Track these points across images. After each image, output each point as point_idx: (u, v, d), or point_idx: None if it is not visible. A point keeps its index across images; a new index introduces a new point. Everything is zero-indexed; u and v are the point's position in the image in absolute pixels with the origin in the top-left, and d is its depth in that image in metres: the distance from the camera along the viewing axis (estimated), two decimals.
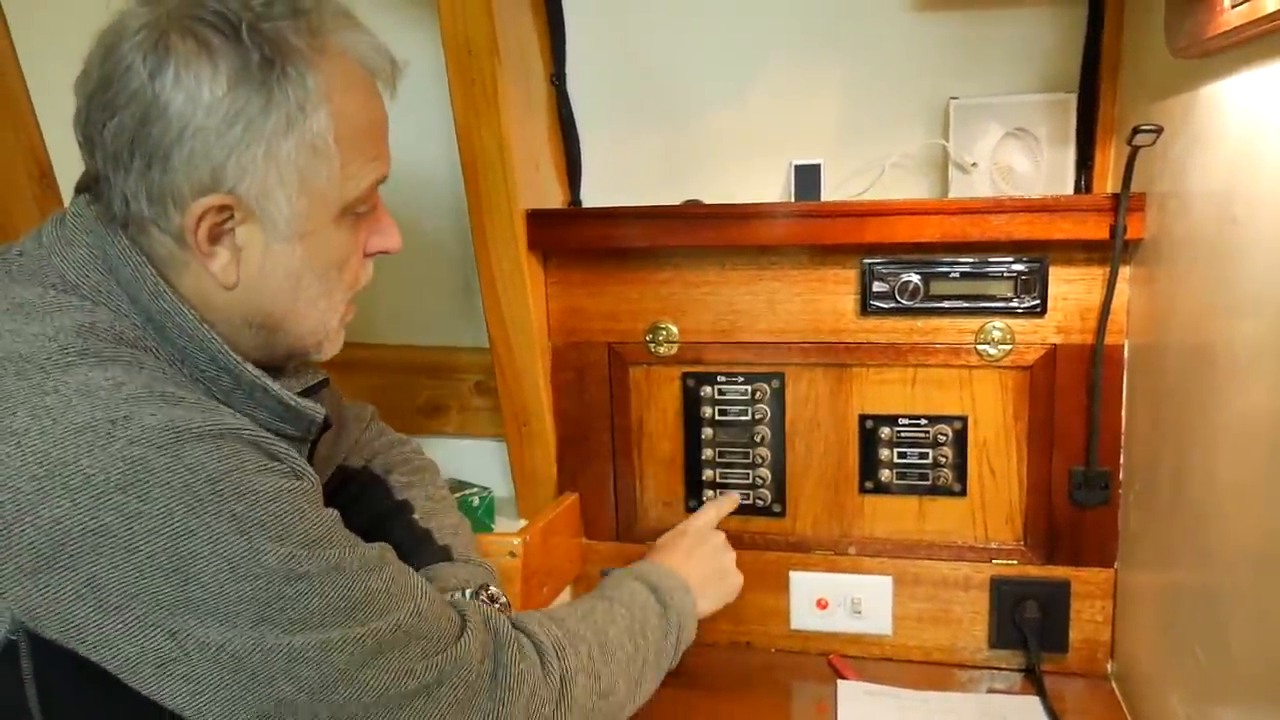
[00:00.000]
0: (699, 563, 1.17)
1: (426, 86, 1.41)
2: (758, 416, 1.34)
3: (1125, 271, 1.19)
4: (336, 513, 0.80)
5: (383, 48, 0.85)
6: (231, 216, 0.78)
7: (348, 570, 0.76)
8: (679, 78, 1.39)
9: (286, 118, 0.77)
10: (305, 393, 0.89)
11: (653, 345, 1.35)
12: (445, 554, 1.07)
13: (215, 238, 0.78)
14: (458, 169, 1.42)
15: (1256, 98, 0.84)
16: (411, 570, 0.84)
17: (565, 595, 1.38)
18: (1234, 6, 0.81)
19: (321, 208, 0.81)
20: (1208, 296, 0.95)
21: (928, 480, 1.30)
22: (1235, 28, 0.82)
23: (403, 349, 1.60)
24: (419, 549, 1.07)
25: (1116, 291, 1.18)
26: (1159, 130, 1.03)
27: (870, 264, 1.26)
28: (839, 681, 1.28)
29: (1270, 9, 0.75)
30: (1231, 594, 0.88)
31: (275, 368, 0.89)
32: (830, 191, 1.35)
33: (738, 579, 1.21)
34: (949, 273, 1.24)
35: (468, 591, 1.01)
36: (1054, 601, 1.27)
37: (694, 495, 1.37)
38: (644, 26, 1.38)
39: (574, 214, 1.36)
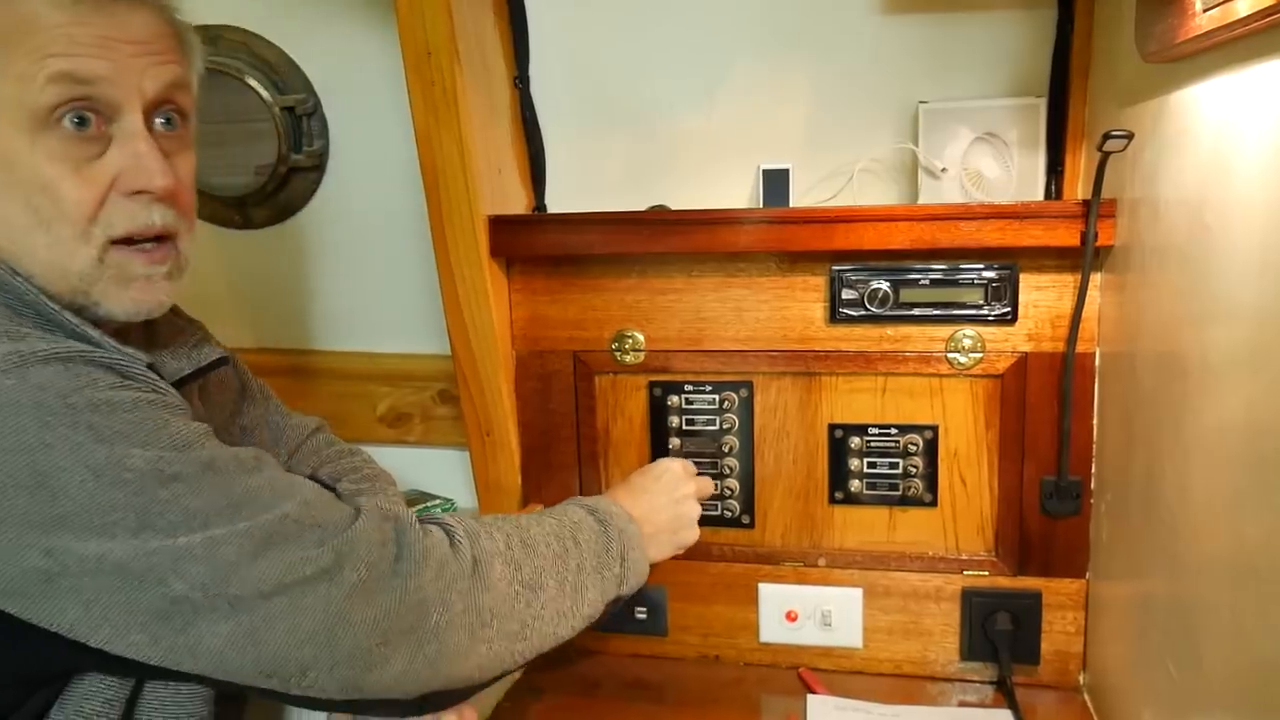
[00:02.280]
0: (651, 499, 1.11)
1: (384, 89, 1.39)
2: (726, 426, 1.31)
3: (1096, 279, 1.17)
4: (209, 426, 0.79)
5: None
6: None
7: (223, 469, 0.75)
8: (645, 80, 1.37)
9: None
10: (195, 374, 0.92)
11: (619, 354, 1.32)
12: None
13: None
14: (413, 176, 1.40)
15: (1228, 103, 0.82)
16: (293, 474, 0.83)
17: None
18: (1205, 10, 0.80)
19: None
20: (1179, 304, 0.94)
21: (898, 490, 1.28)
22: (1206, 32, 0.80)
23: (361, 356, 1.56)
24: None
25: (1088, 299, 1.17)
26: (1129, 136, 1.02)
27: (839, 271, 1.24)
28: (809, 696, 1.26)
29: (1243, 13, 0.73)
30: (1203, 606, 0.86)
31: (159, 346, 0.91)
32: (799, 196, 1.33)
33: (692, 533, 1.13)
34: (919, 280, 1.22)
35: None
36: (1026, 613, 1.25)
37: None
38: (609, 27, 1.36)
39: (537, 220, 1.33)
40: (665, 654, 1.37)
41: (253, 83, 1.37)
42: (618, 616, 1.21)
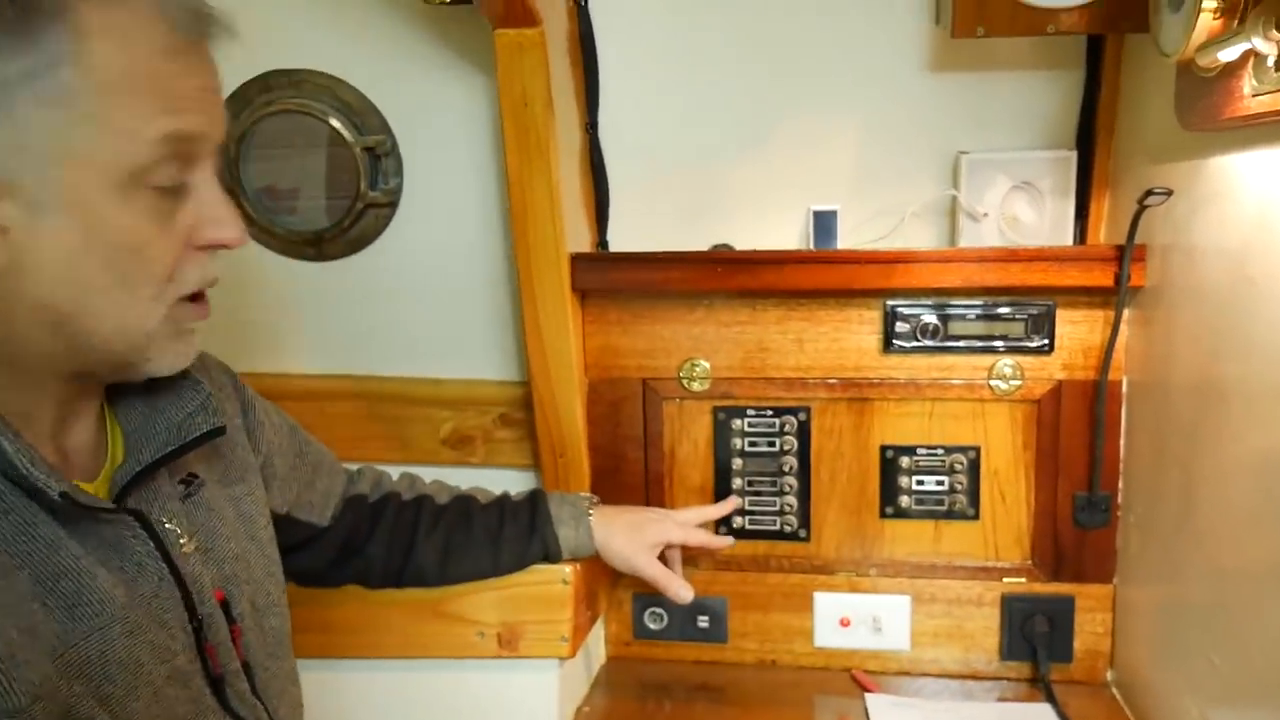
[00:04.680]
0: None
1: (457, 131, 1.48)
2: (785, 447, 1.43)
3: (1125, 314, 1.31)
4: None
5: None
6: None
7: None
8: (702, 127, 1.47)
9: (27, 69, 0.68)
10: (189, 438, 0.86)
11: (686, 380, 1.43)
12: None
13: None
14: (485, 210, 1.50)
15: (1269, 174, 0.96)
16: None
17: (599, 623, 1.45)
18: (1255, 96, 0.93)
19: (90, 174, 0.71)
20: (1217, 341, 1.07)
21: (944, 505, 1.41)
22: (1255, 113, 0.93)
23: (425, 381, 1.64)
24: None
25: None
26: (1169, 193, 1.15)
27: (893, 306, 1.36)
28: (867, 695, 1.37)
29: None
30: (1247, 605, 0.99)
31: (154, 411, 0.86)
32: (845, 235, 1.45)
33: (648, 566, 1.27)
34: (965, 314, 1.35)
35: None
36: (1060, 616, 1.38)
37: (723, 522, 1.45)
38: (671, 78, 1.46)
39: (617, 257, 1.43)
40: (725, 660, 1.48)
41: (335, 124, 1.45)
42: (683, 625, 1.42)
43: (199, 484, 0.93)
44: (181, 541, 0.87)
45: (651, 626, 1.48)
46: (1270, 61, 0.84)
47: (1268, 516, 0.96)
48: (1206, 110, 1.03)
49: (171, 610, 0.84)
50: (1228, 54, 0.90)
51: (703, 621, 1.47)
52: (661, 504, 1.46)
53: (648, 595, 1.46)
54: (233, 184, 1.49)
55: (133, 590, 0.81)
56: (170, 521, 0.87)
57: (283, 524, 1.10)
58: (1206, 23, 0.94)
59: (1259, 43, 0.82)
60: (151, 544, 0.83)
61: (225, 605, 0.91)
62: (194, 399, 0.90)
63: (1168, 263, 1.21)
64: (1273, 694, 0.94)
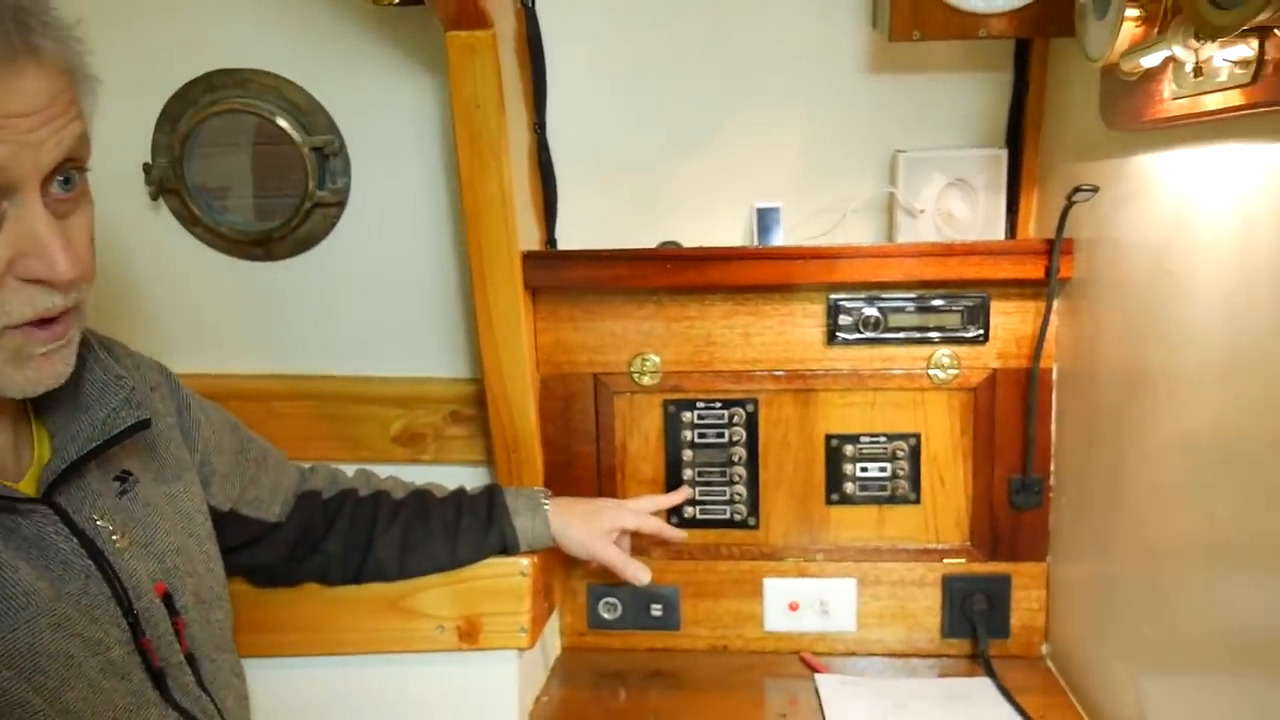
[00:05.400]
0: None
1: (406, 130, 1.50)
2: (734, 438, 1.47)
3: (1054, 305, 1.38)
4: None
5: None
6: None
7: None
8: (649, 127, 1.51)
9: None
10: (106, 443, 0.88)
11: (636, 375, 1.46)
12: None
13: None
14: (434, 208, 1.52)
15: (1188, 173, 1.02)
16: None
17: (555, 615, 1.48)
18: (1174, 99, 0.99)
19: None
20: (1140, 329, 1.14)
21: (886, 491, 1.46)
22: (1174, 115, 0.99)
23: (374, 380, 1.65)
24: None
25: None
26: (1095, 190, 1.22)
27: (835, 300, 1.41)
28: (816, 676, 1.42)
29: (1210, 106, 0.92)
30: (1176, 577, 1.06)
31: (79, 409, 0.89)
32: (788, 232, 1.49)
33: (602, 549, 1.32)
34: (904, 307, 1.41)
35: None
36: (997, 594, 1.44)
37: (675, 512, 1.49)
38: (617, 78, 1.49)
39: (566, 256, 1.46)
40: (679, 647, 1.52)
41: (282, 123, 1.46)
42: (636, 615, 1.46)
43: (134, 481, 0.95)
44: (115, 538, 0.90)
45: (606, 616, 1.51)
46: (1189, 68, 0.90)
47: (1190, 494, 1.02)
48: (1129, 111, 1.09)
49: (102, 605, 0.87)
50: (1150, 60, 0.95)
51: (656, 610, 1.50)
52: (614, 496, 1.49)
53: (602, 586, 1.50)
54: (178, 184, 1.49)
55: (59, 586, 0.83)
56: (102, 518, 0.90)
57: (229, 521, 1.11)
58: (1129, 30, 1.00)
59: (1179, 51, 0.87)
60: (75, 540, 0.86)
61: (169, 598, 0.94)
62: (118, 394, 0.92)
63: (1094, 256, 1.28)
64: (1200, 660, 1.01)
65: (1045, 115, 1.41)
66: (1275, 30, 0.78)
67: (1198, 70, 0.88)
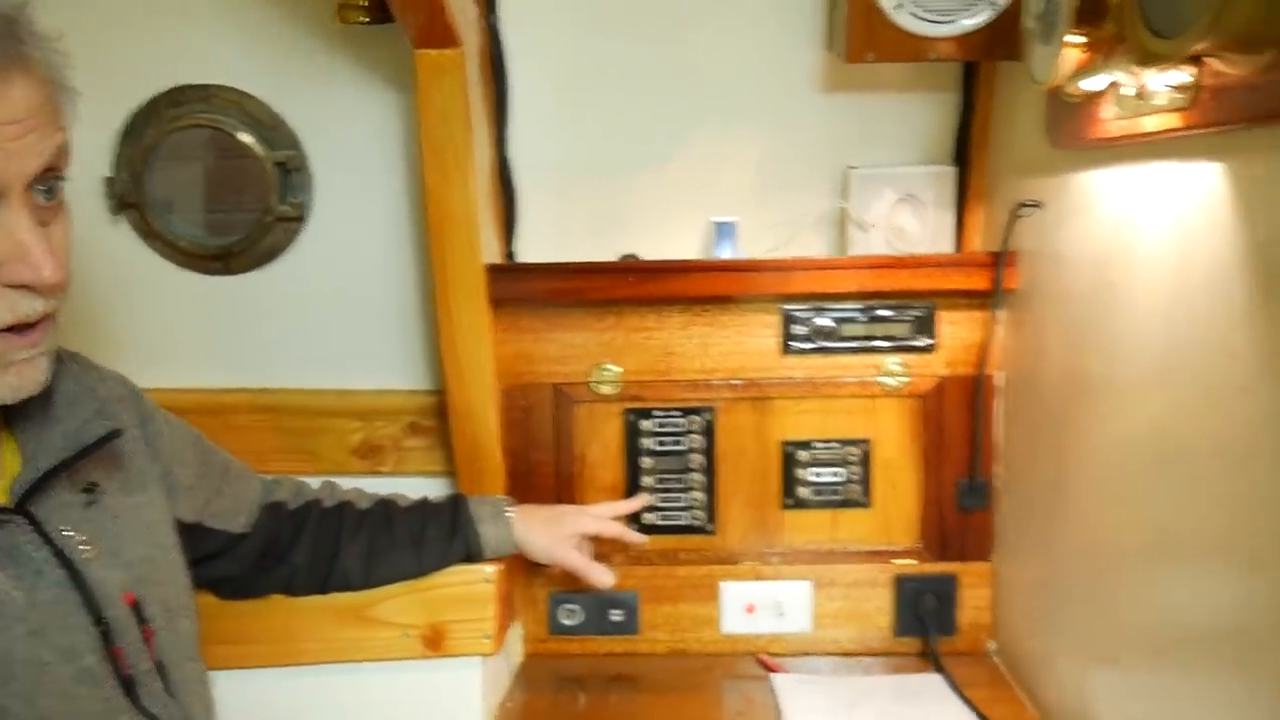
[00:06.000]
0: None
1: (370, 144, 1.51)
2: (692, 446, 1.50)
3: (999, 315, 1.44)
4: None
5: None
6: None
7: None
8: (608, 141, 1.54)
9: None
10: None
11: (596, 385, 1.49)
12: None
13: None
14: (395, 222, 1.53)
15: (1128, 189, 1.08)
16: None
17: (516, 623, 1.50)
18: (1116, 120, 1.05)
19: None
20: (1082, 339, 1.20)
21: (839, 495, 1.51)
22: (1115, 136, 1.05)
23: (331, 393, 1.65)
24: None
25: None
26: (1039, 205, 1.28)
27: (790, 310, 1.45)
28: (773, 675, 1.46)
29: (1148, 129, 0.98)
30: (1117, 574, 1.11)
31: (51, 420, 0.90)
32: (744, 245, 1.53)
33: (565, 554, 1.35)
34: (856, 317, 1.46)
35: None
36: (945, 593, 1.50)
37: (634, 518, 1.51)
38: (578, 93, 1.52)
39: (529, 269, 1.48)
40: (638, 651, 1.54)
41: (245, 138, 1.46)
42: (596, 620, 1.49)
43: (100, 492, 0.96)
44: (83, 548, 0.91)
45: (566, 623, 1.53)
46: (1130, 91, 0.96)
47: (1129, 495, 1.08)
48: (1073, 131, 1.15)
49: (74, 614, 0.88)
50: (1093, 84, 1.01)
51: (615, 615, 1.53)
52: (574, 504, 1.51)
53: (562, 593, 1.52)
54: (139, 198, 1.48)
55: (32, 595, 0.85)
56: (71, 529, 0.90)
57: (194, 533, 1.12)
58: (1073, 54, 1.06)
59: (1121, 76, 0.93)
60: (48, 549, 0.87)
61: (137, 607, 0.94)
62: (89, 406, 0.94)
63: (1037, 268, 1.34)
64: (1140, 653, 1.06)
65: (991, 134, 1.48)
66: (1210, 59, 0.84)
67: (1139, 94, 0.94)
